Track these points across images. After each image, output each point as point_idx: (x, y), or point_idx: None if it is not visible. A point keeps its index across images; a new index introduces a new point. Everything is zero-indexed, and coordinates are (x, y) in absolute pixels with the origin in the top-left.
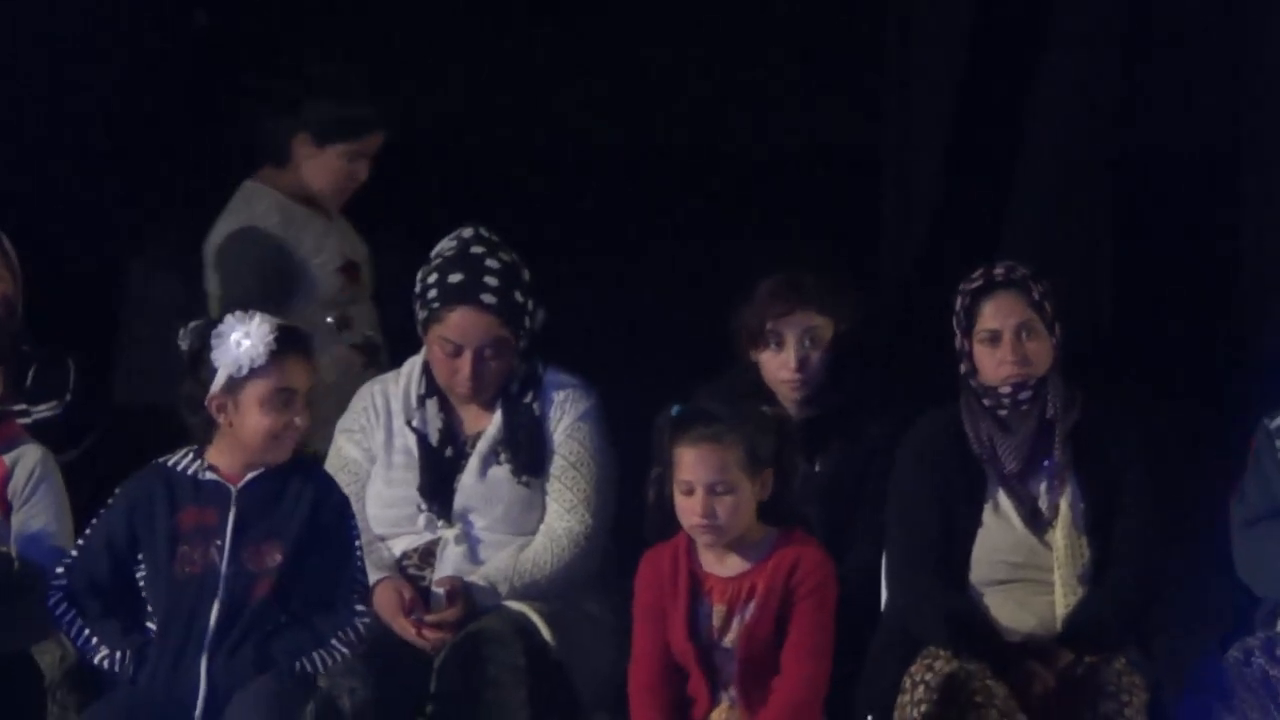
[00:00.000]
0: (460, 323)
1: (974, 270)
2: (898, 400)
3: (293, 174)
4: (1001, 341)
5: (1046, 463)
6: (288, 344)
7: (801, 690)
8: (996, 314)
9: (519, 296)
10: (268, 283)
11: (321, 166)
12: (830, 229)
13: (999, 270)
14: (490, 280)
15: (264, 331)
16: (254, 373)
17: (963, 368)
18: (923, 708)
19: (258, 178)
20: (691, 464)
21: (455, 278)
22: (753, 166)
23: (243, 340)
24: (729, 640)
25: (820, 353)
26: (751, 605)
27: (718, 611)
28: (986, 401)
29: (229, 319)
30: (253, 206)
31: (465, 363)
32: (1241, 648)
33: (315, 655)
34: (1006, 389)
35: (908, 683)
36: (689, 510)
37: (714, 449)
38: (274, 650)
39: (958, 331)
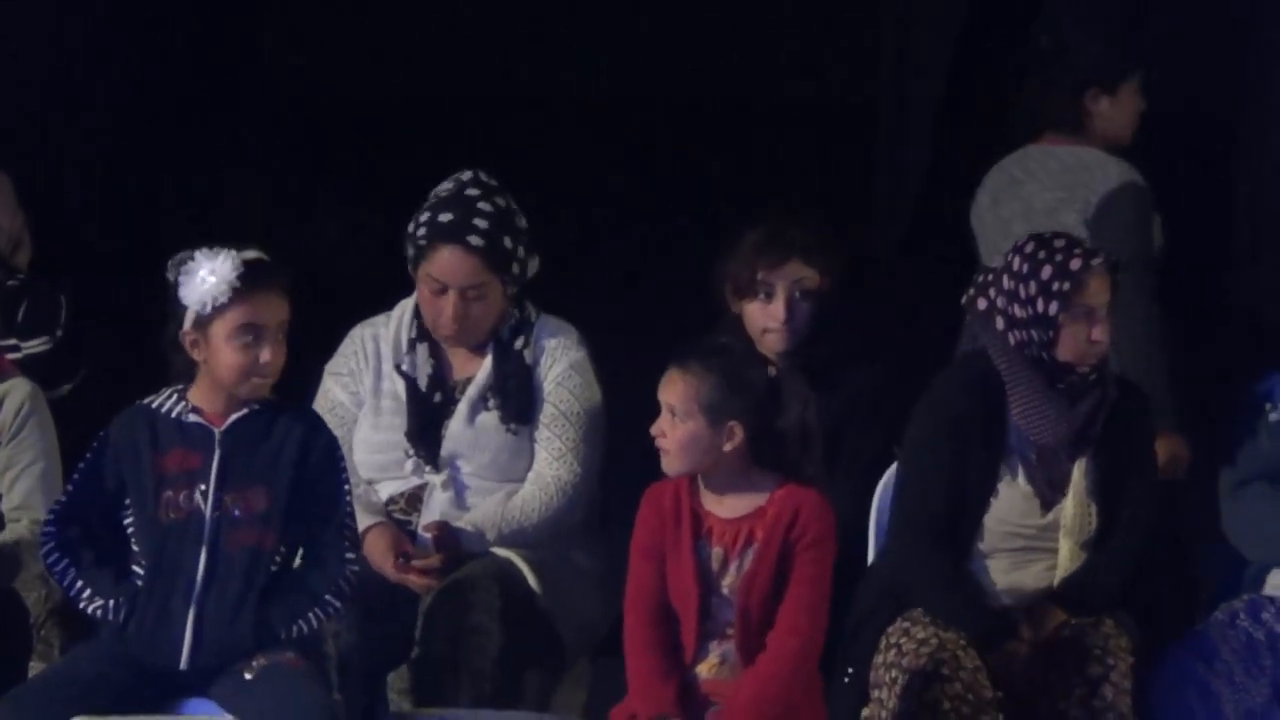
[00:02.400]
0: (446, 262)
1: (1051, 238)
2: (880, 354)
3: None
4: (1096, 320)
5: (1088, 435)
6: (255, 279)
7: (799, 646)
8: (1097, 291)
9: (508, 242)
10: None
11: (1119, 109)
12: (823, 183)
13: (1095, 249)
14: (480, 222)
15: (228, 268)
16: (219, 309)
17: (1030, 336)
18: (893, 672)
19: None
20: (662, 385)
21: (445, 217)
22: (746, 120)
23: (207, 277)
24: (726, 585)
25: (807, 304)
26: (750, 553)
27: (716, 554)
28: (1052, 374)
29: (197, 254)
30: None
31: (449, 303)
32: (1227, 610)
33: (311, 614)
34: (1085, 368)
35: (884, 643)
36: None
37: (679, 375)
38: (273, 619)
39: (1040, 300)
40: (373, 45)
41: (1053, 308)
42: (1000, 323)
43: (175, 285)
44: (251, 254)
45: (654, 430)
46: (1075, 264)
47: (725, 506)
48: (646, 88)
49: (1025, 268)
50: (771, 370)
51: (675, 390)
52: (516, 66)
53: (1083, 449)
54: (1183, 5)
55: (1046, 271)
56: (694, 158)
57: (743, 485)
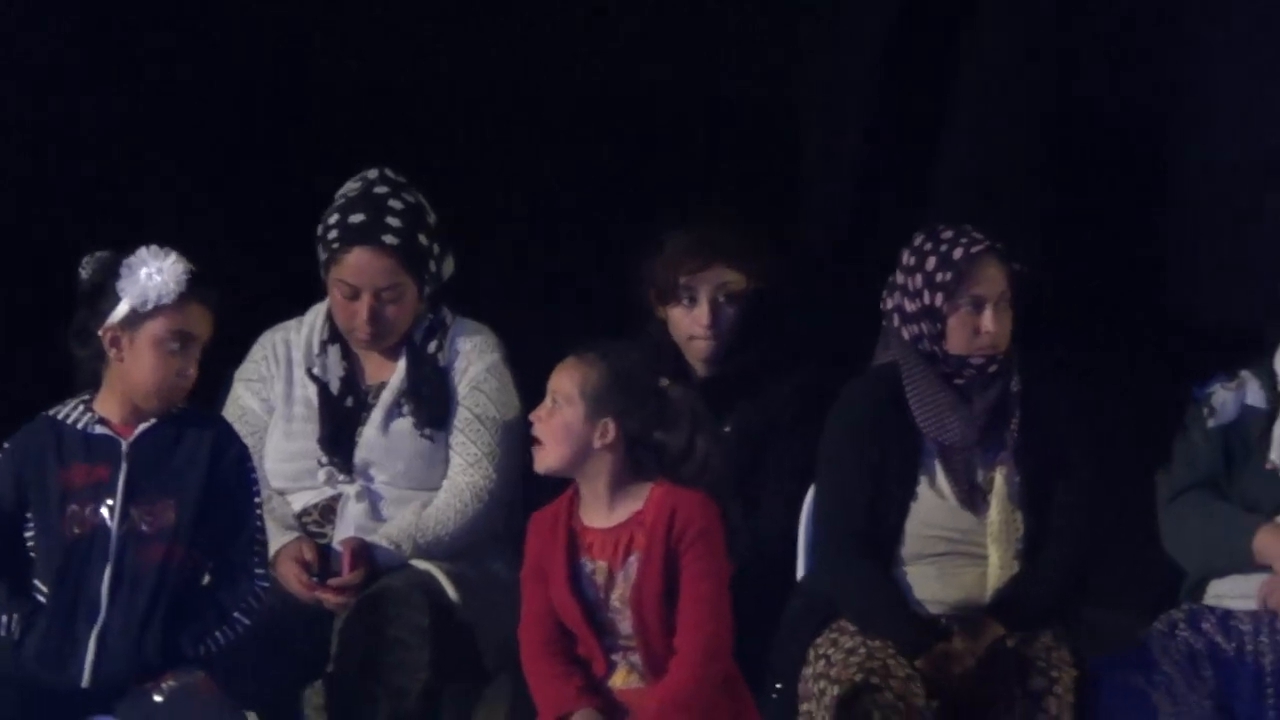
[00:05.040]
0: (359, 264)
1: (937, 230)
2: (808, 360)
3: None
4: (985, 310)
5: (1003, 437)
6: (197, 288)
7: (704, 643)
8: (987, 281)
9: (423, 240)
10: None
11: None
12: (749, 185)
13: (986, 238)
14: (392, 221)
15: (178, 270)
16: (158, 309)
17: (914, 330)
18: (822, 683)
19: None
20: (553, 373)
21: (356, 218)
22: (671, 119)
23: (155, 274)
24: (617, 599)
25: (733, 310)
26: (634, 560)
27: (599, 568)
28: (945, 369)
29: (143, 251)
30: None
31: (363, 306)
32: (1166, 620)
33: (219, 632)
34: (979, 360)
35: (812, 654)
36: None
37: (571, 363)
38: (181, 637)
39: (926, 292)
40: (286, 33)
41: (938, 299)
42: (896, 319)
43: (97, 282)
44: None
45: (532, 416)
46: (958, 253)
47: (605, 518)
48: (569, 87)
49: (913, 261)
50: (664, 383)
51: (563, 377)
52: (433, 59)
53: (999, 453)
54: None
55: (931, 263)
56: (620, 159)
57: (620, 495)
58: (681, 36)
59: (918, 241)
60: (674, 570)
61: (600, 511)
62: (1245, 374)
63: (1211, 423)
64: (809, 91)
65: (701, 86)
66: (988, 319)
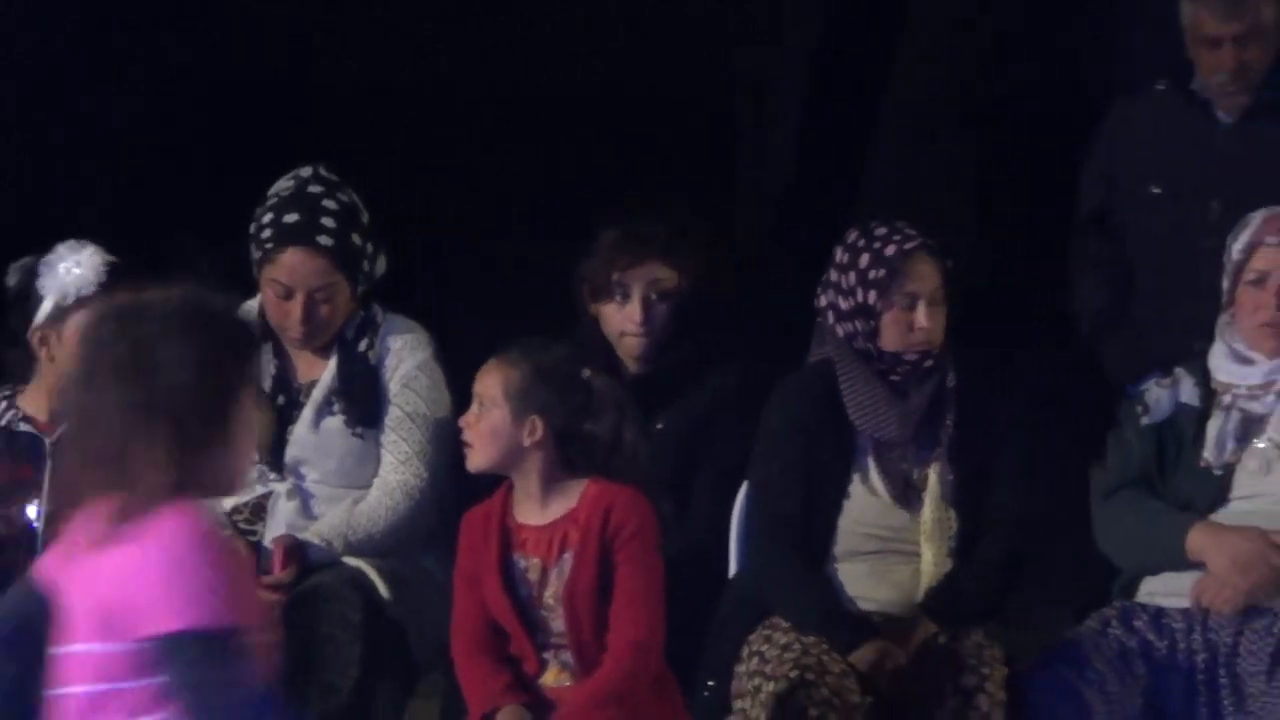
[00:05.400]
0: (293, 264)
1: (872, 226)
2: (741, 357)
3: None
4: (918, 307)
5: (938, 434)
6: (118, 277)
7: (637, 640)
8: (919, 278)
9: (356, 239)
10: None
11: None
12: (683, 181)
13: (914, 232)
14: (327, 221)
15: (96, 261)
16: (80, 302)
17: (849, 328)
18: (756, 680)
19: None
20: (477, 376)
21: (290, 218)
22: (604, 117)
23: (73, 268)
24: (550, 596)
25: (666, 306)
26: (568, 558)
27: (533, 565)
28: (880, 365)
29: (60, 248)
30: None
31: (296, 306)
32: (1098, 618)
33: None
34: (913, 356)
35: (745, 651)
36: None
37: (494, 365)
38: None
39: (860, 289)
40: (222, 27)
41: (872, 296)
42: (831, 316)
43: (22, 286)
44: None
45: (461, 422)
46: (891, 250)
47: (538, 515)
48: (503, 84)
49: (846, 258)
50: (587, 373)
51: (486, 380)
52: (368, 58)
53: (934, 450)
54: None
55: (865, 260)
56: (555, 157)
57: (553, 492)
58: (617, 35)
59: (851, 239)
60: (608, 568)
61: (534, 509)
62: (1179, 371)
63: (1145, 420)
64: (742, 90)
65: (635, 85)
66: (921, 315)
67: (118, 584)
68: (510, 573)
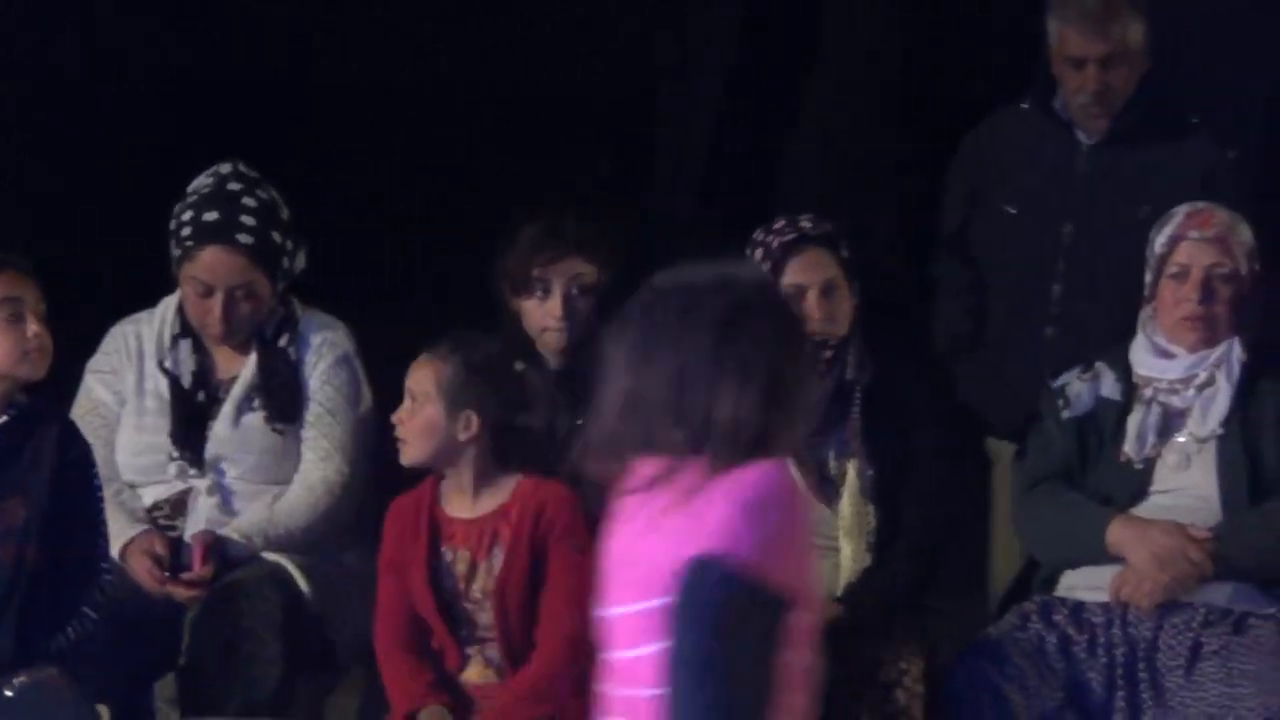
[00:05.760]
0: (213, 262)
1: (772, 221)
2: None
3: None
4: (807, 298)
5: (841, 427)
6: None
7: (565, 637)
8: (805, 269)
9: (276, 236)
10: None
11: None
12: (602, 175)
13: (807, 223)
14: (246, 219)
15: None
16: None
17: None
18: None
19: None
20: (409, 372)
21: (210, 216)
22: (525, 110)
23: None
24: (477, 590)
25: (586, 301)
26: (497, 553)
27: (461, 558)
28: None
29: None
30: None
31: (216, 303)
32: (1018, 612)
33: (70, 627)
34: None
35: None
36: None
37: (425, 361)
38: (33, 637)
39: None
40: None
41: None
42: None
43: None
44: None
45: (394, 418)
46: (775, 243)
47: (468, 509)
48: (419, 78)
49: (749, 253)
50: (520, 367)
51: (418, 375)
52: (288, 53)
53: (850, 445)
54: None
55: (758, 254)
56: (470, 151)
57: (486, 486)
58: (535, 31)
59: (756, 234)
60: (539, 564)
61: (464, 502)
62: (1100, 365)
63: (1066, 414)
64: (662, 86)
65: (553, 78)
66: (811, 306)
67: (692, 538)
68: (437, 565)
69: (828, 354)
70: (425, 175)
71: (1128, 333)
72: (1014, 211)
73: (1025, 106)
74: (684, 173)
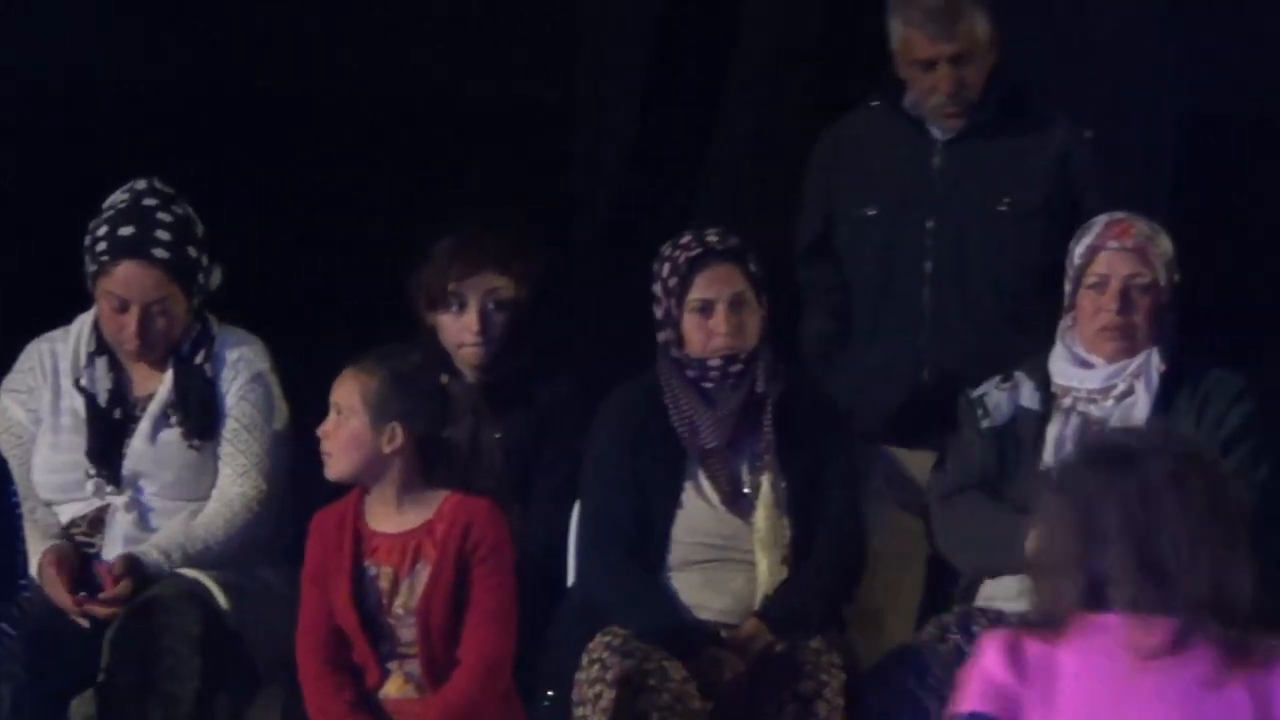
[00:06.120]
0: (128, 277)
1: (679, 235)
2: (577, 364)
3: None
4: (715, 312)
5: (754, 440)
6: None
7: (489, 658)
8: (712, 283)
9: (192, 252)
10: None
11: None
12: (518, 188)
13: (714, 238)
14: (162, 234)
15: None
16: None
17: (664, 336)
18: (597, 687)
19: None
20: (334, 387)
21: (125, 230)
22: (439, 121)
23: None
24: (399, 606)
25: (502, 316)
26: (421, 569)
27: (384, 573)
28: (691, 373)
29: None
30: None
31: (132, 319)
32: (937, 624)
33: None
34: (716, 361)
35: (585, 659)
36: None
37: (350, 374)
38: None
39: (663, 298)
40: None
41: (671, 304)
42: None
43: None
44: None
45: (319, 432)
46: (681, 257)
47: (393, 523)
48: (334, 88)
49: (656, 267)
50: (445, 379)
51: (343, 389)
52: (191, 61)
53: (764, 458)
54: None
55: (666, 269)
56: (383, 162)
57: (410, 501)
58: (449, 41)
59: (663, 248)
60: (463, 581)
61: (388, 516)
62: (1019, 375)
63: (985, 423)
64: (578, 97)
65: (469, 91)
66: (718, 320)
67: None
68: (360, 579)
69: (737, 368)
70: (340, 188)
71: (1001, 330)
72: (873, 213)
73: (875, 105)
74: (600, 183)
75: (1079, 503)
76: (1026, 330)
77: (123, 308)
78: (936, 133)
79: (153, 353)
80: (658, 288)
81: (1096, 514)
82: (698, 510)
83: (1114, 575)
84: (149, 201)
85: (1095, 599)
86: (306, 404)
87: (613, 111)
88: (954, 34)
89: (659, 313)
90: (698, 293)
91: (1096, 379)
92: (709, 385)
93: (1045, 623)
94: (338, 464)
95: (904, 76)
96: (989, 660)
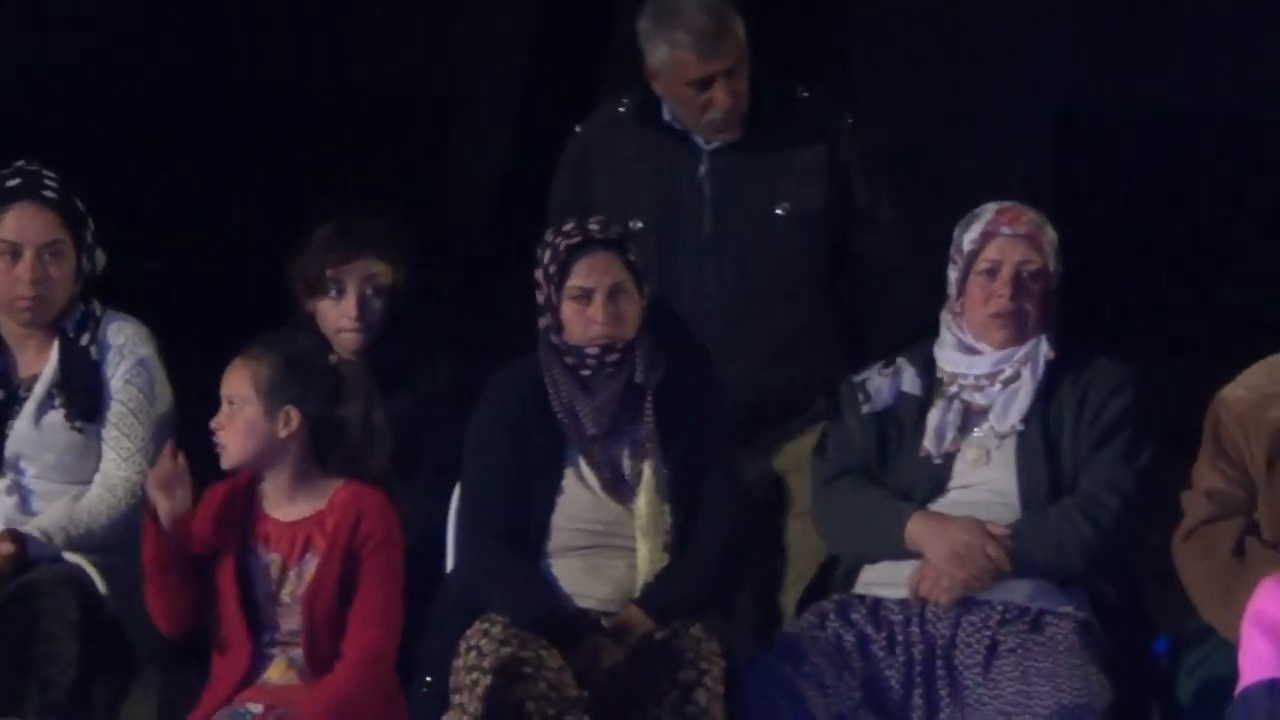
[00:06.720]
0: (20, 220)
1: (562, 222)
2: (457, 348)
3: None
4: (593, 301)
5: (634, 427)
6: None
7: (374, 650)
8: (591, 272)
9: (79, 205)
10: None
11: None
12: (397, 178)
13: (595, 227)
14: (49, 182)
15: None
16: None
17: (544, 322)
18: (474, 674)
19: None
20: (224, 378)
21: (13, 182)
22: (321, 108)
23: None
24: (286, 594)
25: (381, 302)
26: (310, 559)
27: (274, 561)
28: (569, 360)
29: None
30: None
31: (26, 267)
32: (816, 611)
33: None
34: (594, 349)
35: (463, 646)
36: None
37: (240, 363)
38: None
39: (544, 284)
40: None
41: (550, 291)
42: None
43: None
44: None
45: (213, 424)
46: (562, 244)
47: (284, 510)
48: (223, 81)
49: (538, 253)
50: (334, 359)
51: (234, 379)
52: (85, 50)
53: (645, 445)
54: None
55: (546, 256)
56: (261, 147)
57: (304, 488)
58: (330, 31)
59: (547, 234)
60: (351, 573)
61: (281, 502)
62: (901, 361)
63: (866, 409)
64: (459, 86)
65: (350, 81)
66: (596, 309)
67: None
68: (247, 562)
69: (614, 357)
70: (218, 173)
71: (797, 331)
72: (641, 226)
73: (623, 111)
74: (482, 169)
75: None
76: (814, 337)
77: (14, 254)
78: (700, 141)
79: (43, 314)
80: (539, 273)
81: None
82: (578, 496)
83: None
84: (32, 167)
85: None
86: (188, 391)
87: (493, 103)
88: (725, 50)
89: (540, 298)
90: (577, 280)
91: (984, 365)
92: (586, 373)
93: None
94: (233, 453)
95: (668, 96)
96: (1264, 601)
